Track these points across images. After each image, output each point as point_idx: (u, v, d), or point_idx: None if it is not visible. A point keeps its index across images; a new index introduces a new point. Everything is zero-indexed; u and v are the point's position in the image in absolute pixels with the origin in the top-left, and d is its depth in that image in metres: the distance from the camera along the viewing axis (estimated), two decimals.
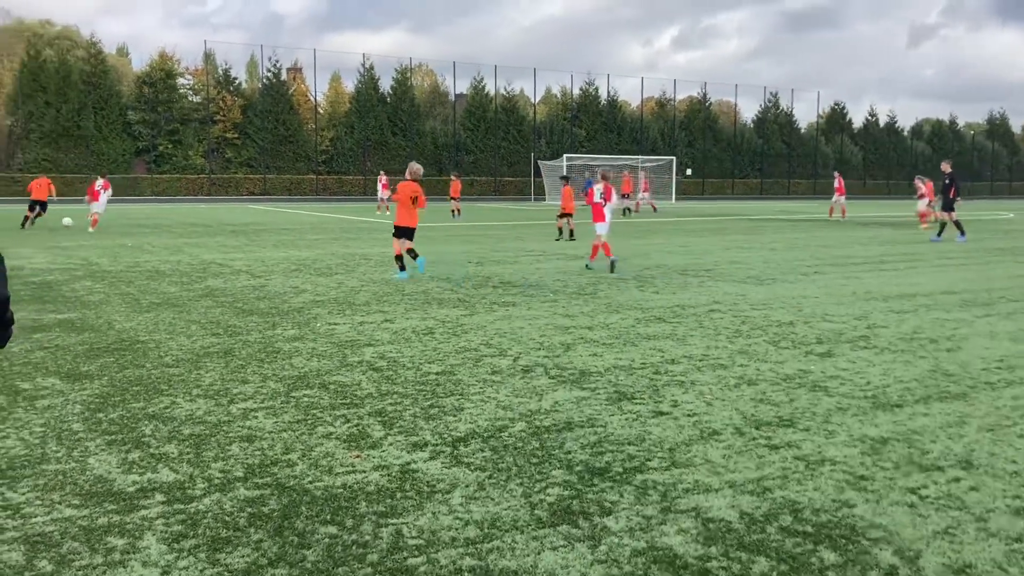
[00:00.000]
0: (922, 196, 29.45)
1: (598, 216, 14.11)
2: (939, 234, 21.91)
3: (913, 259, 16.43)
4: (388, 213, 32.43)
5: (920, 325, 8.92)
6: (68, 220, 23.87)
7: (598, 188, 14.32)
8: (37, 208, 24.40)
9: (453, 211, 32.19)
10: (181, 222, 27.97)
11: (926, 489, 4.22)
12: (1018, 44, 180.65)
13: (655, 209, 38.24)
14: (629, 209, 36.69)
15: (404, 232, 12.87)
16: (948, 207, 22.03)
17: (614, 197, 14.49)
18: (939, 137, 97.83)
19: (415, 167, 13.29)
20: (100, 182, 23.78)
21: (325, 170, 62.78)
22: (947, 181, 22.00)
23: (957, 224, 21.72)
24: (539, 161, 61.87)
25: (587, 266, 14.28)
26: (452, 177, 35.42)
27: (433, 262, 14.57)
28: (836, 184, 33.27)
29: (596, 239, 14.16)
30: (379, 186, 36.23)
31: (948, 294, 11.35)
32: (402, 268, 12.77)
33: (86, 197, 24.60)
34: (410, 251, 12.87)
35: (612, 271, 13.50)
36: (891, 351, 7.57)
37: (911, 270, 14.38)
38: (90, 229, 22.48)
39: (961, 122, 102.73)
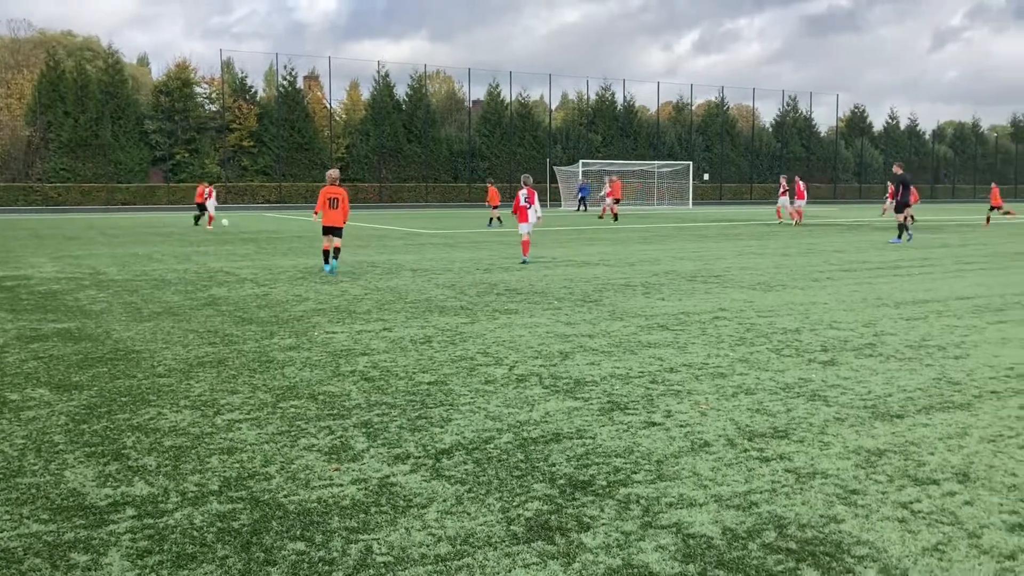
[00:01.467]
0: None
1: (522, 218, 16.13)
2: (899, 236, 22.24)
3: (929, 264, 16.17)
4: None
5: (929, 332, 8.73)
6: (226, 221, 29.74)
7: (523, 194, 16.20)
8: (199, 211, 30.46)
9: (492, 219, 31.12)
10: (194, 230, 28.09)
11: (919, 503, 4.07)
12: None
13: (611, 214, 35.85)
14: (615, 215, 35.98)
15: (330, 231, 14.51)
16: (900, 208, 22.40)
17: (536, 202, 16.38)
18: (961, 140, 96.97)
19: (332, 173, 15.23)
20: (207, 190, 30.37)
21: (341, 177, 63.01)
22: (899, 183, 22.39)
23: (901, 226, 22.04)
24: (555, 167, 61.78)
25: (523, 261, 15.92)
26: (489, 184, 35.00)
27: (440, 270, 14.53)
28: (781, 188, 33.30)
29: (522, 237, 16.16)
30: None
31: (962, 300, 11.13)
32: (326, 261, 14.55)
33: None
34: (336, 250, 14.55)
35: (523, 263, 15.76)
36: (897, 359, 7.39)
37: (926, 275, 14.14)
38: (208, 226, 29.10)
39: (985, 125, 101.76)
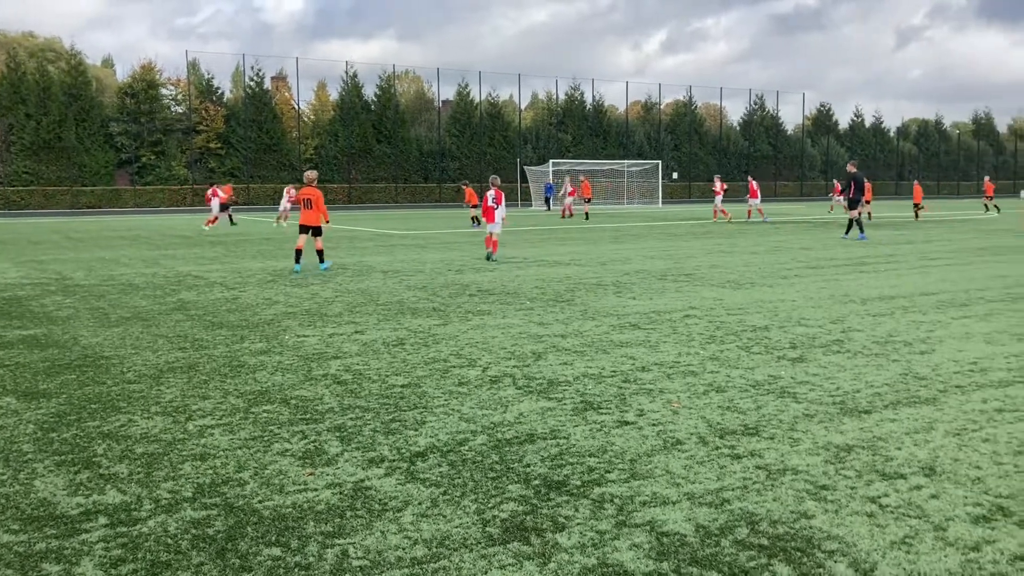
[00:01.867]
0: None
1: (489, 217, 16.95)
2: (847, 232, 23.08)
3: (894, 261, 16.43)
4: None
5: (896, 328, 8.87)
6: (285, 223, 30.48)
7: (490, 195, 16.97)
8: (228, 210, 31.60)
9: (474, 219, 31.41)
10: (161, 233, 27.78)
11: (887, 498, 4.15)
12: (1002, 44, 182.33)
13: (583, 213, 38.72)
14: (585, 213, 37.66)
15: (306, 230, 15.09)
16: (852, 206, 22.96)
17: (503, 203, 17.16)
18: (925, 137, 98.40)
19: (309, 174, 15.59)
20: (211, 189, 30.74)
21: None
22: (851, 181, 23.03)
23: (858, 223, 22.62)
24: (525, 167, 61.85)
25: (488, 257, 16.74)
26: (464, 185, 35.45)
27: (411, 272, 14.53)
28: (716, 187, 34.35)
29: (488, 235, 17.03)
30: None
31: (926, 295, 11.32)
32: (296, 261, 14.96)
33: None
34: (319, 252, 15.18)
35: (488, 259, 16.62)
36: (864, 355, 7.51)
37: (891, 272, 14.36)
38: (206, 227, 28.78)
39: (947, 122, 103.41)
